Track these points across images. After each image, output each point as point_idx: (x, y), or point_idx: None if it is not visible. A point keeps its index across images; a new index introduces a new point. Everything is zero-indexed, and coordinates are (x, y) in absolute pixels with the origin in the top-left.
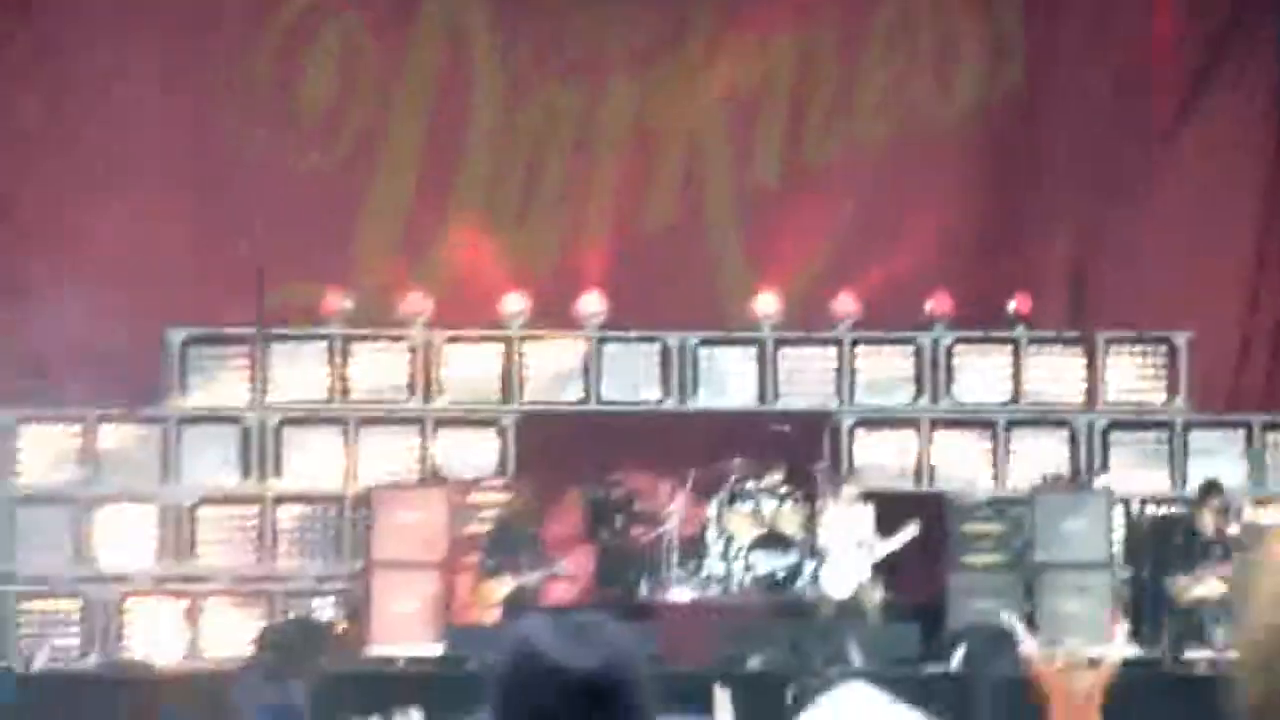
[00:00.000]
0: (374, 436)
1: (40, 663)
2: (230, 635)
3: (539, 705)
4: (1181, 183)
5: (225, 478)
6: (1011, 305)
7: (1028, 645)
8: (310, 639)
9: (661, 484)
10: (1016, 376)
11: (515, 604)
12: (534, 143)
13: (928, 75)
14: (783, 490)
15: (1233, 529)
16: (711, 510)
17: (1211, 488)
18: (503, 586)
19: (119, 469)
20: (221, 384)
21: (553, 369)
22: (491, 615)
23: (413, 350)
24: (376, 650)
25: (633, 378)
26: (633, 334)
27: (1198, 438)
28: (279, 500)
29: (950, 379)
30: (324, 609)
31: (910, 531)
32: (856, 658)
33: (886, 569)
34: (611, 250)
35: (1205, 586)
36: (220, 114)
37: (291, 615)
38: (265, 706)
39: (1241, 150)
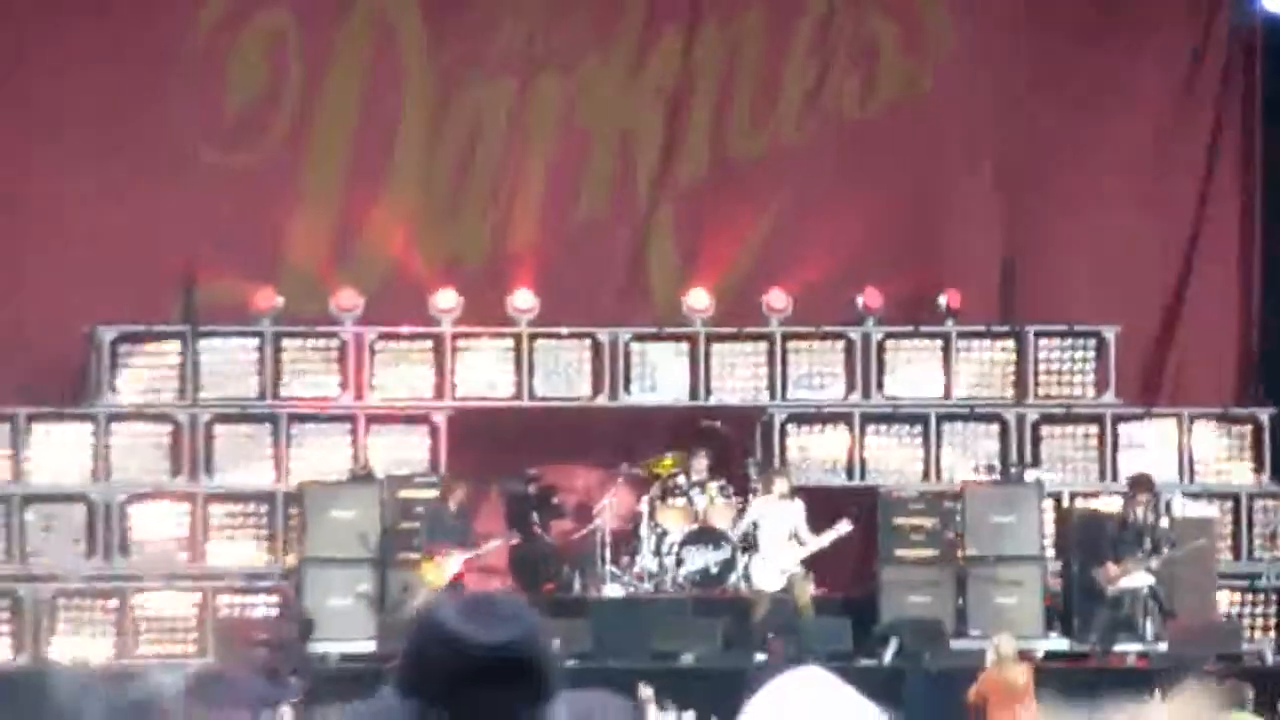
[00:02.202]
0: (306, 434)
1: None
2: (161, 633)
3: (447, 680)
4: (1111, 173)
5: (157, 475)
6: (942, 300)
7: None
8: (304, 634)
9: (592, 479)
10: (947, 371)
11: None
12: (464, 138)
13: (852, 72)
14: (715, 485)
15: (1163, 522)
16: (644, 505)
17: (1141, 481)
18: (448, 567)
19: (49, 467)
20: (152, 381)
21: (484, 365)
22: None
23: (344, 347)
24: (310, 647)
25: (565, 374)
26: (564, 330)
27: (1127, 431)
28: (210, 498)
29: (881, 374)
30: (258, 607)
31: (842, 528)
32: (789, 652)
33: (818, 562)
34: (543, 246)
35: (1135, 579)
36: (150, 107)
37: (285, 613)
38: (257, 699)
39: (1172, 138)
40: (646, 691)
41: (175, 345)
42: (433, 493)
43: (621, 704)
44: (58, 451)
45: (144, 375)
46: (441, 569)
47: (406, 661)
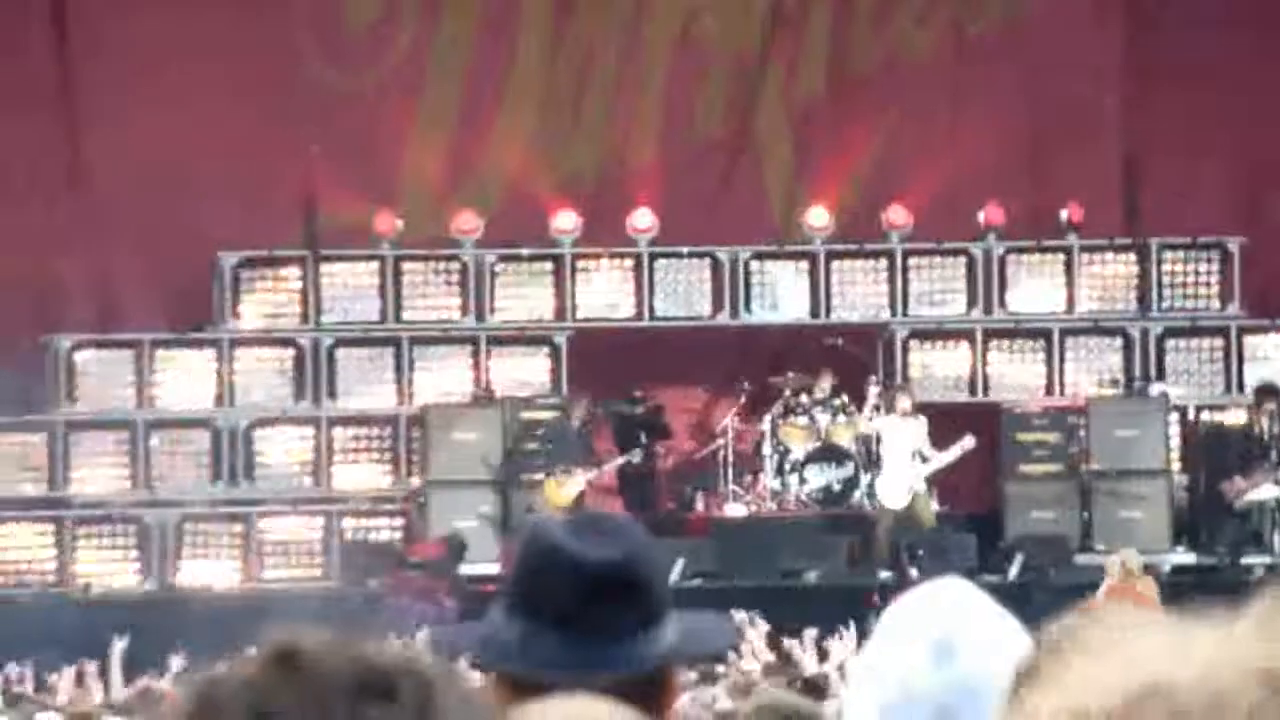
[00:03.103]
0: (427, 357)
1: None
2: (287, 556)
3: (555, 598)
4: (1233, 82)
5: (281, 400)
6: (1064, 214)
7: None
8: (456, 556)
9: (713, 399)
10: (1070, 285)
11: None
12: (581, 57)
13: None
14: (837, 403)
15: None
16: (766, 425)
17: (1267, 391)
18: (571, 486)
19: (175, 391)
20: (275, 306)
21: (604, 286)
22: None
23: (464, 270)
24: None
25: (685, 293)
26: (684, 250)
27: (1253, 342)
28: (334, 421)
29: (1004, 289)
30: (382, 530)
31: (965, 444)
32: (914, 570)
33: (943, 479)
34: (661, 165)
35: (1262, 491)
36: (269, 30)
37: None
38: (420, 614)
39: None
40: (740, 616)
41: (297, 270)
42: (554, 414)
43: (727, 626)
44: (182, 378)
45: (267, 300)
46: (564, 489)
47: (513, 579)
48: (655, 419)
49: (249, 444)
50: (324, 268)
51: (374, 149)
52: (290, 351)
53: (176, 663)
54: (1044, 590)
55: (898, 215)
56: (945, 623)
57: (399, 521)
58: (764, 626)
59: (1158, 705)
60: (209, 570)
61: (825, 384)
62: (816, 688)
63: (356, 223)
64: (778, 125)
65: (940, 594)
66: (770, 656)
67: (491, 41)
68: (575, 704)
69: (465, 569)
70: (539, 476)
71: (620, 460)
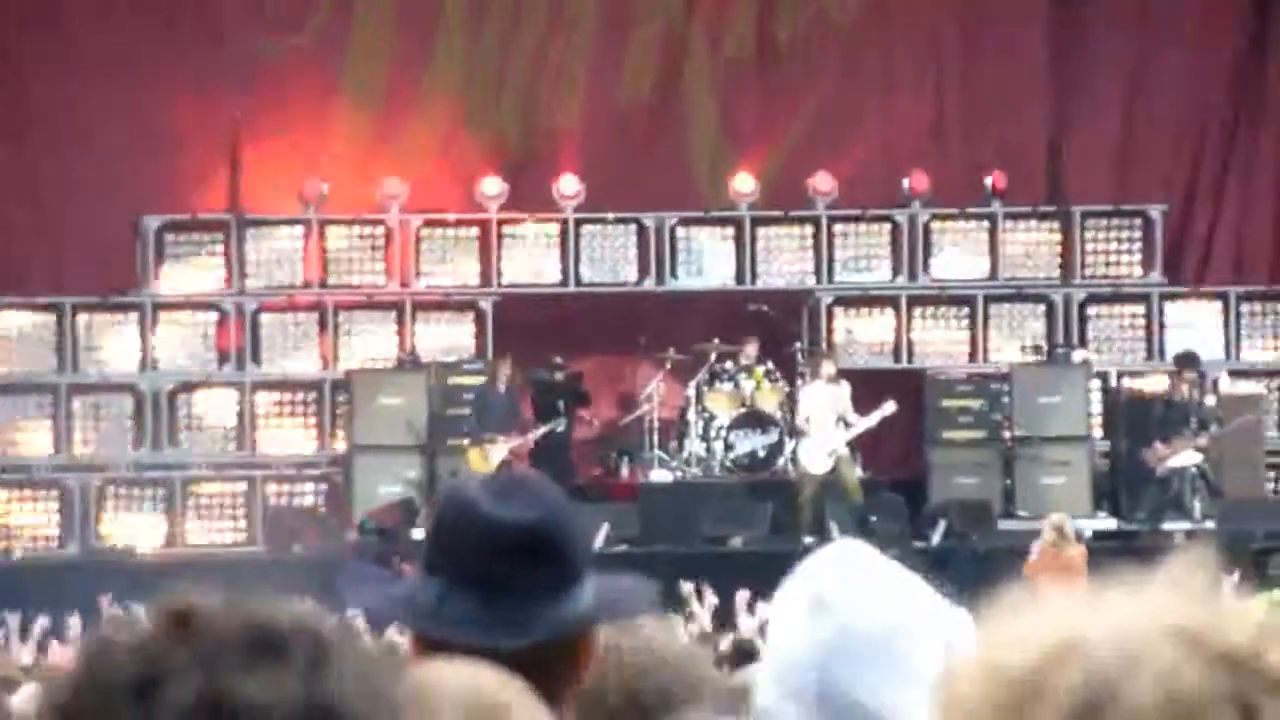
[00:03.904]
0: (353, 322)
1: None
2: (211, 520)
3: (471, 558)
4: (1156, 51)
5: (205, 365)
6: (988, 181)
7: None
8: (407, 519)
9: (639, 366)
10: (994, 252)
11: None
12: (507, 20)
13: None
14: (762, 369)
15: (1209, 400)
16: (691, 391)
17: (1187, 359)
18: (495, 454)
19: (98, 356)
20: (197, 270)
21: (530, 252)
22: None
23: (389, 235)
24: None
25: (611, 259)
26: (610, 215)
27: (1174, 310)
28: (258, 386)
29: (928, 256)
30: (306, 494)
31: (887, 408)
32: (837, 534)
33: (866, 445)
34: (587, 130)
35: (1182, 457)
36: (189, 4)
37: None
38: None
39: (1216, 13)
40: (687, 587)
41: (220, 235)
42: (480, 379)
43: (648, 589)
44: (106, 342)
45: (191, 264)
46: (488, 456)
47: (430, 539)
48: (574, 386)
49: (173, 408)
50: (249, 233)
51: (299, 113)
52: (214, 316)
53: (75, 624)
54: (967, 555)
55: (823, 182)
56: (822, 579)
57: (324, 486)
58: (712, 597)
59: (1074, 661)
60: (133, 534)
61: (751, 350)
62: (746, 653)
63: (282, 188)
64: (703, 91)
65: (825, 554)
66: (708, 626)
67: (416, 7)
68: (467, 672)
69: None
70: (464, 442)
71: (544, 429)
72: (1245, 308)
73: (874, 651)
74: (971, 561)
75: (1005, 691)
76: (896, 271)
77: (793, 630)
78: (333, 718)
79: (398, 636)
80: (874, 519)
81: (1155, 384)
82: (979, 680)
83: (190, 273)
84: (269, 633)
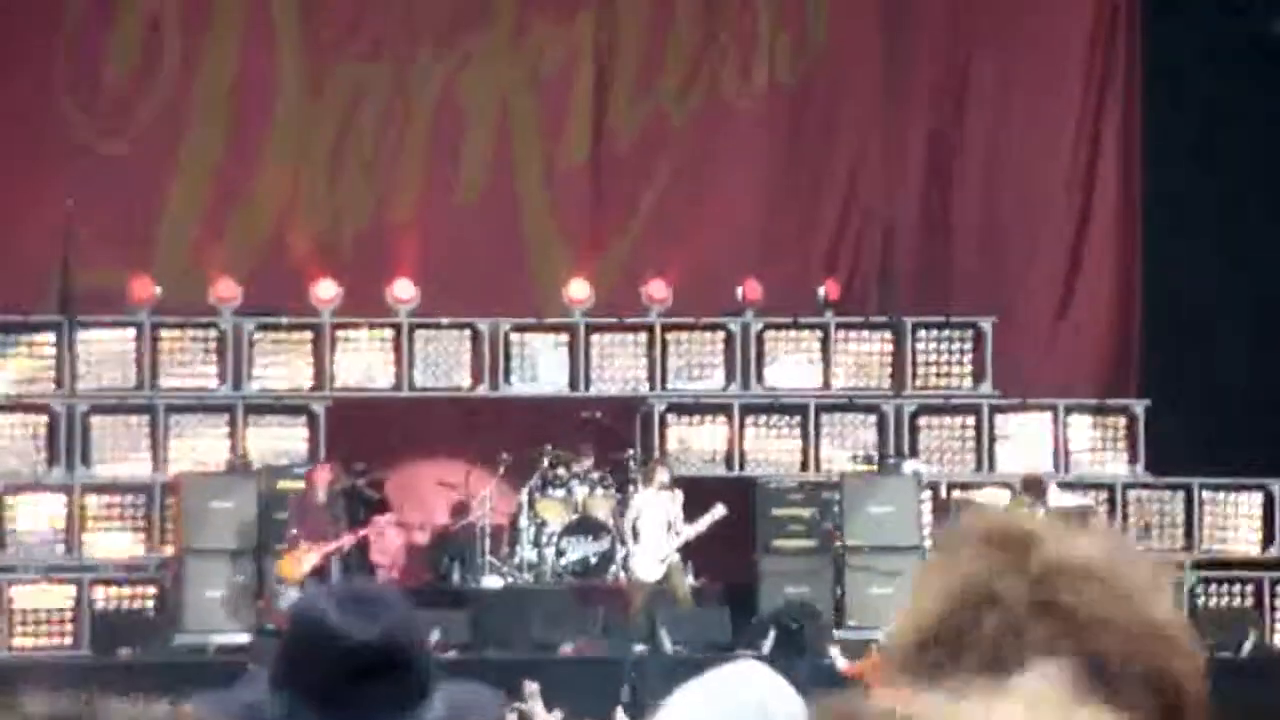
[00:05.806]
0: (183, 425)
1: None
2: (37, 625)
3: (317, 676)
4: (988, 165)
5: (33, 467)
6: (821, 291)
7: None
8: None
9: (471, 471)
10: (826, 362)
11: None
12: (340, 123)
13: (730, 55)
14: (594, 476)
15: (1039, 513)
16: (523, 496)
17: (1031, 484)
18: (305, 561)
19: None
20: (28, 371)
21: (364, 355)
22: (297, 588)
23: (222, 337)
24: (187, 639)
25: (445, 364)
26: (444, 320)
27: (1004, 422)
28: (87, 489)
29: (761, 365)
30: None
31: (715, 514)
32: (668, 642)
33: (698, 553)
34: (423, 233)
35: None
36: (25, 86)
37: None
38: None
39: (1051, 130)
40: (532, 687)
41: (51, 335)
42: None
43: (494, 695)
44: None
45: (20, 365)
46: (298, 563)
47: (280, 653)
48: (373, 494)
49: (1, 510)
50: (79, 334)
51: (131, 212)
52: (43, 418)
53: None
54: (799, 665)
55: (657, 289)
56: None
57: (152, 590)
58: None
59: None
60: None
61: (585, 459)
62: None
63: (113, 286)
64: (539, 194)
65: (742, 667)
66: None
67: (247, 113)
68: None
69: (218, 639)
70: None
71: (354, 537)
72: (1074, 419)
73: None
74: (804, 670)
75: None
76: (730, 380)
77: None
78: None
79: None
80: (698, 628)
81: (986, 496)
82: None
83: (20, 373)
84: None
